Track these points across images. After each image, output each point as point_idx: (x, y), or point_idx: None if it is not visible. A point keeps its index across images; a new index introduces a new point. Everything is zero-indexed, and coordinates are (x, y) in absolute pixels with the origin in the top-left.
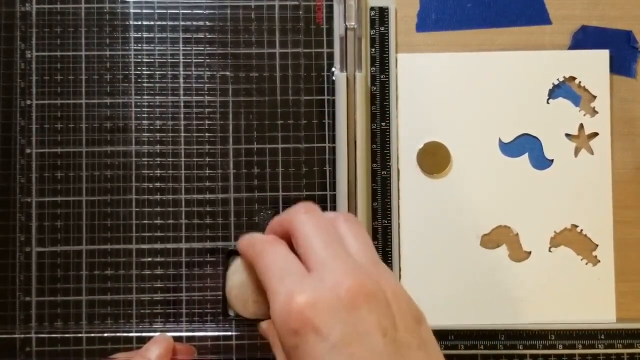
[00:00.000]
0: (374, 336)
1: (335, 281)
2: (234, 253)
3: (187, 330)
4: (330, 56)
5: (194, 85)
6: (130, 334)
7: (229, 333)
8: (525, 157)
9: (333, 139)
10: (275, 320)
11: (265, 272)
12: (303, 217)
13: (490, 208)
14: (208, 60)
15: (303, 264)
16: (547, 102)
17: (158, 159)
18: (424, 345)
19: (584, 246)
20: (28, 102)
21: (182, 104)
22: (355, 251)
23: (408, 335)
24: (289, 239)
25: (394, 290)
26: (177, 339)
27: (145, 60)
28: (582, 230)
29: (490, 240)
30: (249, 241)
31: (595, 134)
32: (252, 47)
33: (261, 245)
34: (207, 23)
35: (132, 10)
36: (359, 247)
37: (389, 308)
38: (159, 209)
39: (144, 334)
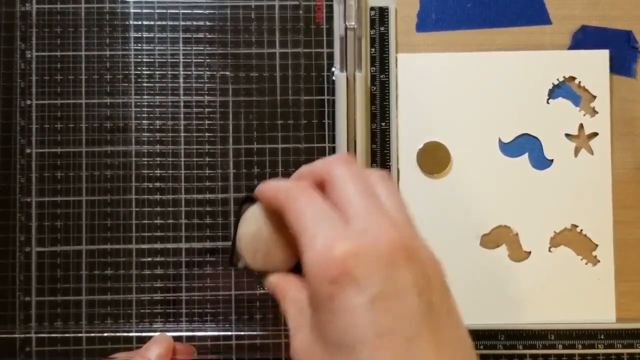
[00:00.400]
0: (411, 294)
1: (377, 234)
2: (248, 201)
3: (187, 330)
4: (330, 56)
5: (194, 85)
6: (130, 334)
7: (229, 333)
8: (525, 157)
9: (333, 139)
10: (310, 267)
11: (300, 216)
12: (342, 167)
13: (490, 208)
14: (208, 60)
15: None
16: (547, 102)
17: (158, 159)
18: (452, 312)
19: (584, 246)
20: (28, 102)
21: (182, 104)
22: (391, 209)
23: (440, 299)
24: (321, 190)
25: (428, 253)
26: (177, 339)
27: (145, 60)
28: (582, 230)
29: (490, 240)
30: (278, 186)
31: (595, 134)
32: (252, 47)
33: (295, 191)
34: (207, 23)
35: (132, 10)
36: (394, 206)
37: (425, 269)
38: (159, 209)
39: (144, 334)
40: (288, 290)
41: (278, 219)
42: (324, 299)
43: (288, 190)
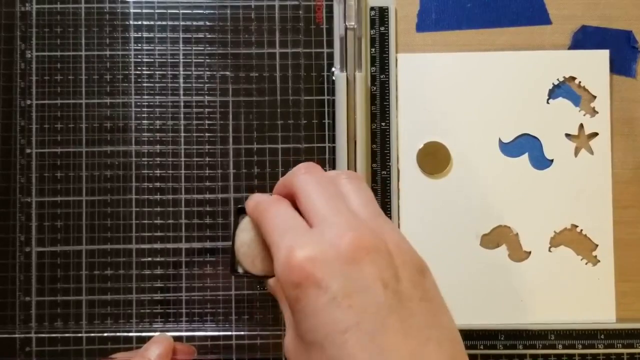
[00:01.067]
0: (374, 288)
1: (336, 235)
2: (243, 211)
3: (187, 330)
4: (330, 56)
5: (194, 85)
6: (130, 334)
7: (229, 333)
8: (525, 157)
9: (333, 139)
10: (277, 274)
11: (269, 228)
12: (304, 176)
13: (490, 208)
14: (208, 60)
15: (306, 221)
16: (547, 102)
17: (158, 159)
18: (427, 296)
19: (584, 246)
20: (28, 102)
21: (182, 104)
22: (357, 206)
23: (411, 287)
24: (293, 200)
25: (397, 243)
26: (177, 339)
27: (145, 60)
28: (582, 230)
29: (490, 240)
30: (255, 201)
31: (595, 134)
32: (252, 47)
33: (265, 204)
34: (207, 23)
35: (132, 10)
36: (360, 202)
37: (391, 260)
38: (159, 209)
39: (144, 334)
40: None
41: None
42: (292, 302)
43: (260, 204)
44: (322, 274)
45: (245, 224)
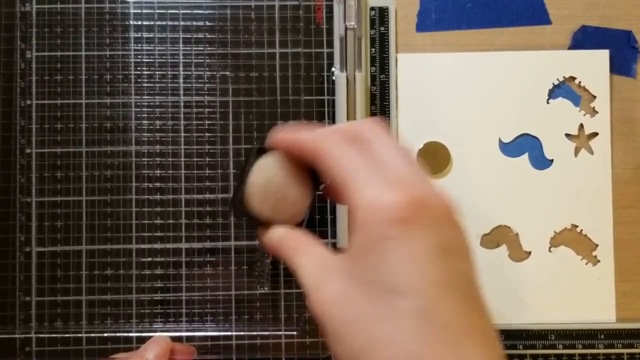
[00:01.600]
0: (467, 254)
1: (438, 193)
2: (262, 151)
3: (187, 330)
4: (330, 56)
5: (194, 85)
6: (130, 334)
7: (229, 333)
8: (525, 157)
9: None
10: (369, 208)
11: (345, 162)
12: (377, 127)
13: (490, 208)
14: (208, 60)
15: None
16: (547, 102)
17: (158, 159)
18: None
19: (584, 246)
20: (28, 102)
21: (182, 104)
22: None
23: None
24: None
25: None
26: (177, 339)
27: (145, 60)
28: (582, 230)
29: (490, 240)
30: (309, 133)
31: (595, 134)
32: (252, 47)
33: (333, 138)
34: (207, 23)
35: (132, 10)
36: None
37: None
38: (159, 209)
39: (144, 334)
40: (304, 244)
41: (295, 170)
42: (381, 241)
43: (325, 138)
44: (429, 220)
45: (264, 164)
